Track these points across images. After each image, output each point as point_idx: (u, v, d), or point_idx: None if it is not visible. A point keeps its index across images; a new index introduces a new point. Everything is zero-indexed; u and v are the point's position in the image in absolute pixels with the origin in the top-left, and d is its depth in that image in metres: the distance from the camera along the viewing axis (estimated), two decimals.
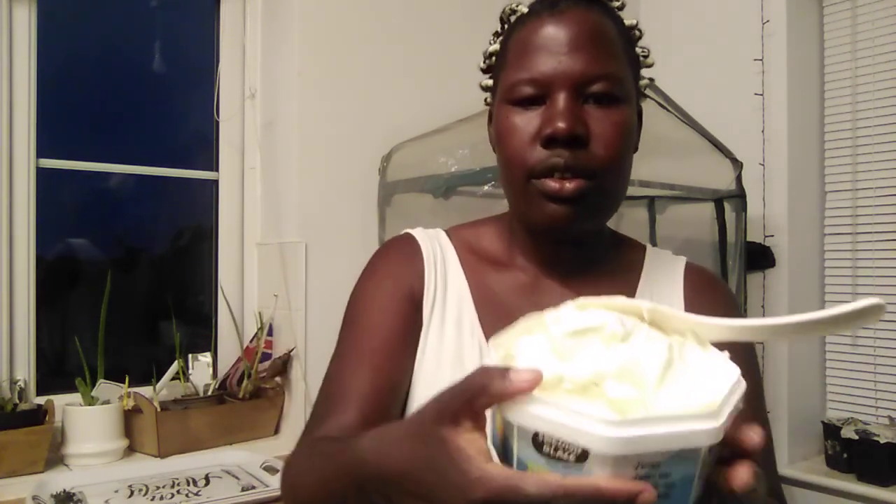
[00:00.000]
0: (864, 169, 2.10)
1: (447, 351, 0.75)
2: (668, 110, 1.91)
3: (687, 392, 0.42)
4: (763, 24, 2.14)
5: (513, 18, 0.77)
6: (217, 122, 1.91)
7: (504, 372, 0.40)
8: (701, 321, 0.48)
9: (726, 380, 0.43)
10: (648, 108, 1.94)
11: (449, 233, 0.83)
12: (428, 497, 0.43)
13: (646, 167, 1.85)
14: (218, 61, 1.93)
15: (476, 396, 0.41)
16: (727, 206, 2.02)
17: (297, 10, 1.81)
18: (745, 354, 0.76)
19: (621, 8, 0.77)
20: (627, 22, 0.76)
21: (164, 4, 1.92)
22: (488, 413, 0.43)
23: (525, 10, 0.75)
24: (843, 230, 2.14)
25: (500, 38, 0.78)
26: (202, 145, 1.94)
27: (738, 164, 2.00)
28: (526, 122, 0.71)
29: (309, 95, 1.81)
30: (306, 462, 0.66)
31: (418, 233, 0.82)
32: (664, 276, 0.79)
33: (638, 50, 0.76)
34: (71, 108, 1.79)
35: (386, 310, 0.77)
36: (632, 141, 0.74)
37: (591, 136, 0.69)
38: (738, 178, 2.01)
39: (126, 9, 1.86)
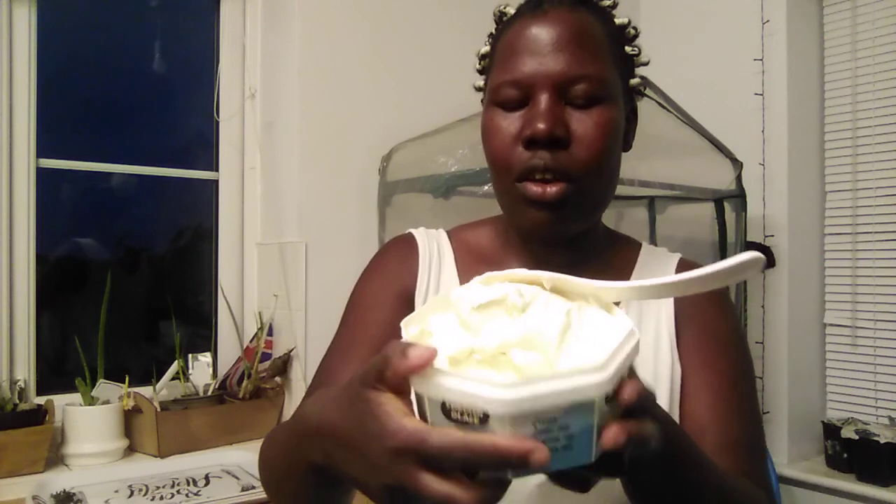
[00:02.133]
0: (864, 169, 2.10)
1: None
2: (668, 110, 1.91)
3: (584, 351, 0.45)
4: (763, 24, 2.14)
5: (502, 20, 0.77)
6: (217, 122, 1.91)
7: (404, 348, 0.44)
8: (599, 286, 0.50)
9: (618, 335, 0.46)
10: (649, 108, 1.94)
11: (450, 233, 0.85)
12: (354, 447, 0.47)
13: (646, 167, 1.85)
14: (218, 61, 1.93)
15: (384, 368, 0.45)
16: (727, 206, 2.02)
17: (297, 10, 1.81)
18: (731, 353, 0.76)
19: (613, 7, 0.76)
20: (618, 21, 0.75)
21: (164, 4, 1.92)
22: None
23: (512, 11, 0.75)
24: (843, 230, 2.14)
25: (491, 39, 0.78)
26: (202, 145, 1.94)
27: (738, 164, 2.00)
28: (509, 123, 0.71)
29: (309, 95, 1.81)
30: (273, 435, 0.70)
31: (419, 232, 0.84)
32: (657, 272, 0.79)
33: (629, 49, 0.75)
34: (71, 108, 1.79)
35: (377, 306, 0.80)
36: (617, 141, 0.72)
37: (572, 138, 0.69)
38: (738, 178, 2.01)
39: (126, 9, 1.86)
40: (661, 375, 0.74)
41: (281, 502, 0.68)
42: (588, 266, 0.77)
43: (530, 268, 0.76)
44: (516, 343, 0.45)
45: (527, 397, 0.41)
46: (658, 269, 0.80)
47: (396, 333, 0.75)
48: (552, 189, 0.69)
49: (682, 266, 0.80)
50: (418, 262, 0.81)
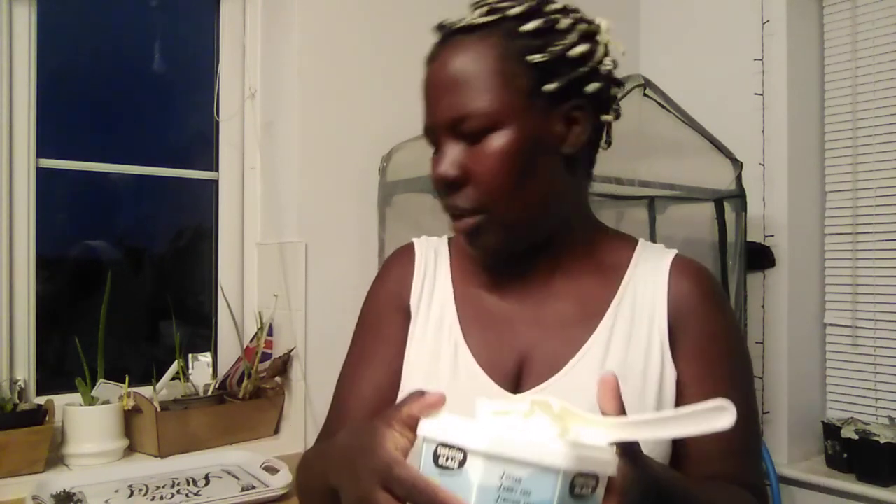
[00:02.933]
0: (864, 169, 2.10)
1: (427, 347, 0.81)
2: (668, 110, 1.91)
3: None
4: (763, 24, 2.14)
5: None
6: (217, 122, 1.91)
7: (420, 394, 0.54)
8: (600, 420, 0.53)
9: (600, 448, 0.50)
10: (649, 108, 1.94)
11: (451, 239, 0.89)
12: (349, 460, 0.56)
13: (646, 167, 1.85)
14: (218, 61, 1.93)
15: (401, 408, 0.54)
16: (727, 206, 2.03)
17: (297, 10, 1.81)
18: (729, 357, 0.77)
19: (527, 14, 0.73)
20: (525, 28, 0.72)
21: (164, 4, 1.92)
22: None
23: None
24: (843, 230, 2.14)
25: None
26: (202, 145, 1.94)
27: (738, 164, 2.00)
28: (433, 167, 0.76)
29: (309, 95, 1.81)
30: (306, 456, 0.81)
31: (419, 241, 0.89)
32: (650, 270, 0.79)
33: (539, 57, 0.71)
34: (71, 109, 1.79)
35: (380, 324, 0.86)
36: (521, 161, 0.72)
37: (469, 175, 0.72)
38: (738, 178, 2.01)
39: (126, 8, 1.86)
40: (650, 377, 0.74)
41: None
42: (572, 267, 0.79)
43: (511, 273, 0.81)
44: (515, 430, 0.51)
45: (499, 442, 0.45)
46: (652, 266, 0.79)
47: (400, 347, 0.82)
48: (462, 224, 0.74)
49: (676, 262, 0.79)
50: (413, 272, 0.85)
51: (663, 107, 1.90)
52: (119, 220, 1.91)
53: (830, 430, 2.01)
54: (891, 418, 1.98)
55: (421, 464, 0.50)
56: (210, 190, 1.94)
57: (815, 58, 2.18)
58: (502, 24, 0.73)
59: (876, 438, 1.87)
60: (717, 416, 0.48)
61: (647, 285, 0.78)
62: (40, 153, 1.67)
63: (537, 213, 0.75)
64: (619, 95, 0.81)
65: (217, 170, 1.93)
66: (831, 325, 2.17)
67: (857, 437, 1.91)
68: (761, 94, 2.14)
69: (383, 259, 1.81)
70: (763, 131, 2.14)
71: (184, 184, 1.92)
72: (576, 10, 0.78)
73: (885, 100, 2.04)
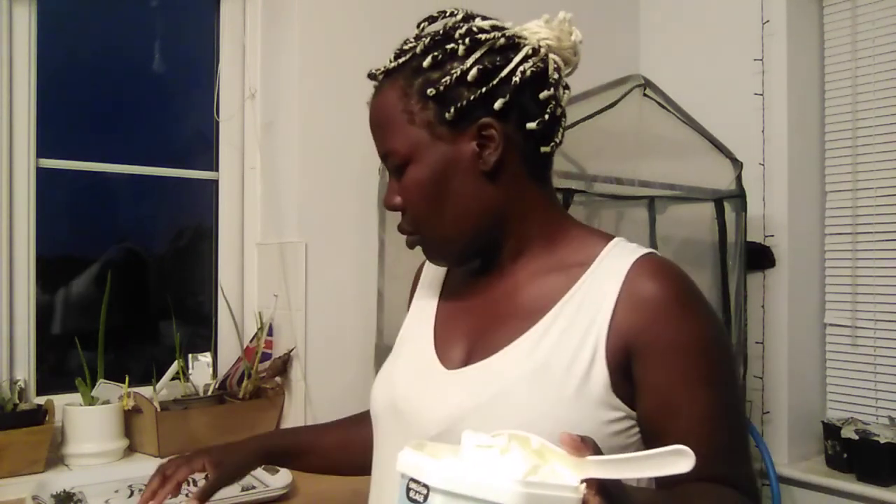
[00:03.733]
0: (864, 169, 2.10)
1: (405, 334, 0.95)
2: (668, 110, 1.91)
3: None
4: (763, 24, 2.14)
5: None
6: (217, 122, 1.91)
7: None
8: (570, 458, 0.55)
9: (563, 485, 0.53)
10: (649, 108, 1.94)
11: None
12: None
13: (646, 167, 1.86)
14: (218, 61, 1.93)
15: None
16: (727, 206, 2.03)
17: (297, 10, 1.80)
18: (701, 361, 0.75)
19: (426, 50, 0.80)
20: (425, 63, 0.79)
21: (164, 4, 1.92)
22: None
23: None
24: (843, 230, 2.14)
25: None
26: (202, 145, 1.94)
27: (738, 164, 2.00)
28: None
29: (309, 95, 1.81)
30: None
31: None
32: (609, 268, 0.77)
33: (438, 88, 0.77)
34: (71, 108, 1.79)
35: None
36: (436, 188, 0.80)
37: (402, 204, 0.83)
38: (738, 178, 2.01)
39: (126, 9, 1.86)
40: (574, 374, 0.73)
41: None
42: (534, 263, 0.83)
43: (488, 281, 0.87)
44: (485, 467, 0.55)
45: (455, 479, 0.51)
46: (613, 266, 0.77)
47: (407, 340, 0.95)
48: (408, 242, 0.87)
49: (639, 264, 0.76)
50: (416, 288, 0.99)
51: (663, 107, 1.90)
52: (119, 220, 1.91)
53: (830, 430, 2.01)
54: (891, 418, 1.98)
55: (398, 496, 0.55)
56: (210, 190, 1.94)
57: (815, 58, 2.18)
58: (410, 63, 0.81)
59: (876, 438, 1.87)
60: (676, 459, 0.51)
61: (600, 284, 0.77)
62: (40, 153, 1.67)
63: (467, 228, 0.82)
64: (562, 93, 0.83)
65: (217, 170, 1.93)
66: (831, 325, 2.17)
67: (857, 437, 1.91)
68: (761, 94, 2.14)
69: (383, 259, 1.82)
70: (763, 131, 2.14)
71: (184, 184, 1.92)
72: (496, 28, 0.80)
73: (885, 100, 2.04)
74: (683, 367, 0.73)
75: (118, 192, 1.86)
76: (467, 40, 0.78)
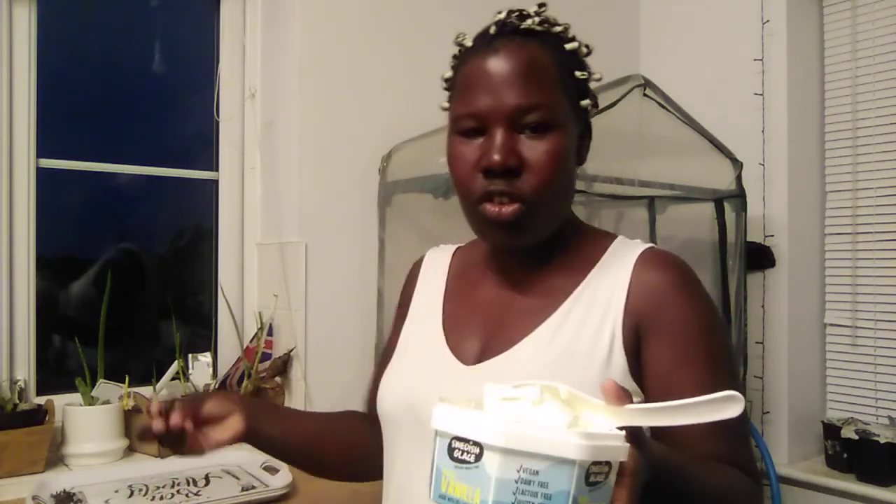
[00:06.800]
0: (864, 169, 2.10)
1: (411, 332, 0.93)
2: (668, 110, 1.91)
3: None
4: (763, 24, 2.14)
5: (459, 51, 0.85)
6: (217, 122, 1.91)
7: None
8: (606, 407, 0.54)
9: (612, 434, 0.51)
10: (649, 108, 1.94)
11: (460, 248, 0.98)
12: None
13: (646, 167, 1.85)
14: (218, 61, 1.93)
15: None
16: (727, 206, 2.03)
17: (297, 10, 1.81)
18: (702, 339, 0.79)
19: (564, 33, 0.82)
20: (569, 46, 0.81)
21: (164, 4, 1.92)
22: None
23: (469, 44, 0.83)
24: (843, 230, 2.14)
25: (453, 65, 0.86)
26: (202, 145, 1.94)
27: (738, 164, 2.00)
28: (469, 152, 0.79)
29: (309, 95, 1.81)
30: None
31: (430, 253, 1.00)
32: (617, 262, 0.83)
33: (579, 74, 0.81)
34: (71, 108, 1.79)
35: (393, 329, 0.99)
36: (567, 163, 0.80)
37: (525, 165, 0.77)
38: (738, 178, 2.01)
39: (126, 9, 1.86)
40: (597, 357, 0.77)
41: None
42: (550, 263, 0.85)
43: (497, 271, 0.88)
44: (528, 421, 0.51)
45: (516, 435, 0.46)
46: (620, 260, 0.83)
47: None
48: (507, 210, 0.77)
49: (644, 256, 0.82)
50: (418, 282, 0.96)
51: (663, 107, 1.90)
52: (119, 220, 1.91)
53: (830, 430, 2.01)
54: (891, 418, 1.98)
55: (435, 456, 0.50)
56: (210, 190, 1.94)
57: (815, 58, 2.18)
58: (550, 37, 0.81)
59: (876, 438, 1.87)
60: (724, 405, 0.50)
61: (610, 276, 0.81)
62: (40, 153, 1.67)
63: (560, 211, 0.83)
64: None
65: (217, 170, 1.93)
66: (831, 325, 2.17)
67: (857, 437, 1.91)
68: (761, 94, 2.14)
69: (383, 259, 1.82)
70: (763, 131, 2.14)
71: (184, 184, 1.92)
72: None
73: (885, 100, 2.04)
74: (685, 344, 0.78)
75: (118, 192, 1.86)
76: (584, 48, 0.83)
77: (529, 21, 0.80)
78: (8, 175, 1.62)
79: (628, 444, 0.50)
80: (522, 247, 0.84)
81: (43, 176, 1.68)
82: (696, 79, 2.24)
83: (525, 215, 0.78)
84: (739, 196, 2.01)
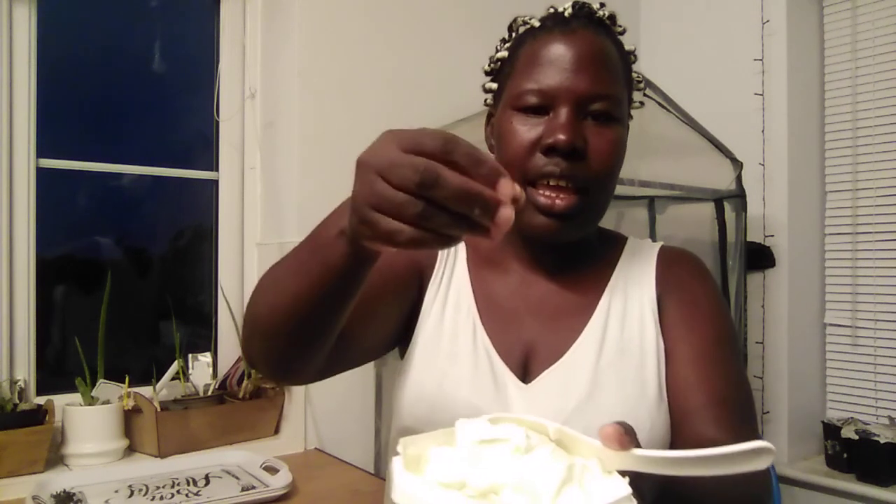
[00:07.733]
0: (864, 169, 2.10)
1: (446, 327, 0.83)
2: (668, 110, 1.91)
3: None
4: (763, 24, 2.14)
5: (521, 30, 0.82)
6: (217, 122, 1.91)
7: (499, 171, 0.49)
8: (605, 449, 0.47)
9: (614, 500, 0.43)
10: (649, 108, 1.94)
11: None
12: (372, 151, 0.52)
13: (646, 167, 1.85)
14: (218, 61, 1.93)
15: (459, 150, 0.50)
16: (727, 206, 2.03)
17: (297, 10, 1.80)
18: (712, 319, 0.82)
19: (622, 33, 0.83)
20: (627, 47, 0.83)
21: (164, 4, 1.92)
22: None
23: (537, 23, 0.80)
24: (843, 230, 2.14)
25: (508, 45, 0.83)
26: (202, 145, 1.94)
27: (738, 164, 2.00)
28: (528, 129, 0.76)
29: (309, 95, 1.81)
30: (282, 259, 0.71)
31: None
32: (638, 262, 0.85)
33: (634, 74, 0.83)
34: (71, 108, 1.79)
35: (386, 259, 0.81)
36: (622, 157, 0.80)
37: (588, 150, 0.75)
38: (738, 178, 2.01)
39: (126, 9, 1.86)
40: (648, 350, 0.79)
41: (272, 322, 0.67)
42: (578, 264, 0.85)
43: (524, 265, 0.85)
44: (512, 484, 0.43)
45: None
46: (639, 259, 0.86)
47: (387, 284, 0.79)
48: (562, 201, 0.74)
49: (662, 252, 0.86)
50: (437, 255, 0.87)
51: (663, 107, 1.90)
52: (119, 220, 1.91)
53: (830, 430, 2.01)
54: (891, 418, 1.98)
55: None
56: (210, 190, 1.94)
57: (815, 58, 2.18)
58: (618, 35, 0.82)
59: (876, 438, 1.87)
60: (752, 457, 0.43)
61: (634, 271, 0.84)
62: (40, 153, 1.67)
63: (606, 208, 0.83)
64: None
65: (217, 170, 1.93)
66: (831, 325, 2.17)
67: (857, 437, 1.91)
68: (761, 94, 2.14)
69: None
70: (763, 131, 2.14)
71: (184, 184, 1.92)
72: None
73: (885, 100, 2.04)
74: (699, 323, 0.80)
75: (118, 192, 1.86)
76: (633, 56, 0.84)
77: (602, 12, 0.80)
78: (8, 175, 1.62)
79: (632, 498, 0.44)
80: (562, 242, 0.80)
81: (43, 176, 1.68)
82: (696, 79, 2.24)
83: (579, 209, 0.75)
84: (739, 196, 2.01)
